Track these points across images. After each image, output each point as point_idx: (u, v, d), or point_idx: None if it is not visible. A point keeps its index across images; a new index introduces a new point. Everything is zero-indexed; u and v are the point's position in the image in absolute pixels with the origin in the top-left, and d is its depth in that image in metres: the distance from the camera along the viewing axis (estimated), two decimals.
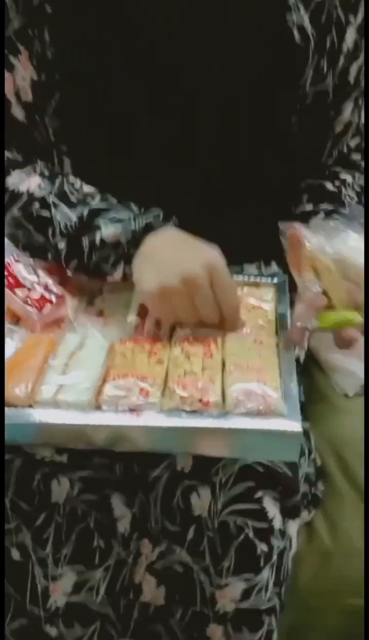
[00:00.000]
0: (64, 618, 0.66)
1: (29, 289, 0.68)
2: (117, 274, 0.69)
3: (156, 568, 0.66)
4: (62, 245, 0.70)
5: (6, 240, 0.74)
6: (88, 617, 0.66)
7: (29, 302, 0.67)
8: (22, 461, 0.66)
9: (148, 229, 0.68)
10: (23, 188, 0.72)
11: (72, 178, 0.74)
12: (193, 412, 0.60)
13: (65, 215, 0.70)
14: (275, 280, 0.75)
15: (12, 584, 0.66)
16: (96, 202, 0.71)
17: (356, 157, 0.80)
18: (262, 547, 0.64)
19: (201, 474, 0.65)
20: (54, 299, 0.68)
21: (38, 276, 0.69)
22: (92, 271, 0.70)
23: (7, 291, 0.68)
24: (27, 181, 0.73)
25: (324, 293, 0.64)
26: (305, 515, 0.72)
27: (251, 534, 0.64)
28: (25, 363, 0.63)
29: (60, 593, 0.66)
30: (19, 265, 0.69)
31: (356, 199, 0.76)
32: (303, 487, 0.71)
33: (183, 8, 0.69)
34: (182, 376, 0.62)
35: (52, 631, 0.66)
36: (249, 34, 0.71)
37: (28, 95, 0.73)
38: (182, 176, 0.74)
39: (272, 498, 0.65)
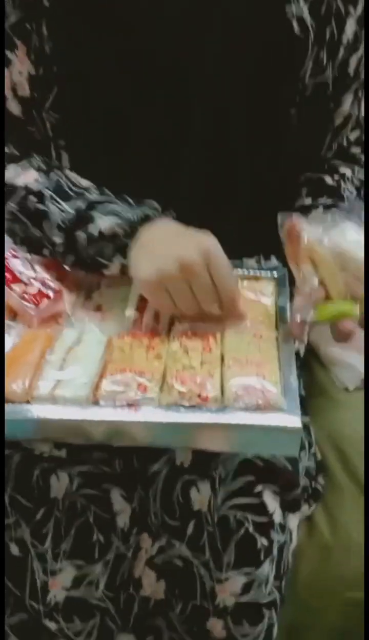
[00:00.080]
0: (64, 613, 0.66)
1: (26, 284, 0.68)
2: (114, 267, 0.68)
3: (156, 562, 0.66)
4: (58, 239, 0.69)
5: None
6: (88, 612, 0.66)
7: (26, 298, 0.67)
8: (21, 456, 0.66)
9: (144, 220, 0.67)
10: (20, 182, 0.72)
11: (69, 172, 0.73)
12: (191, 406, 0.60)
13: (61, 210, 0.69)
14: (275, 274, 0.75)
15: (12, 579, 0.66)
16: (92, 196, 0.70)
17: (356, 150, 0.79)
18: (262, 541, 0.64)
19: (200, 468, 0.65)
20: (51, 294, 0.68)
21: (35, 271, 0.69)
22: (89, 265, 0.70)
23: None
24: (23, 175, 0.72)
25: (322, 285, 0.63)
26: (305, 509, 0.72)
27: (251, 528, 0.64)
28: (22, 358, 0.63)
29: (59, 588, 0.66)
30: (16, 261, 0.69)
31: (355, 193, 0.76)
32: (303, 481, 0.71)
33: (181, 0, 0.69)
34: (180, 371, 0.62)
35: (52, 626, 0.66)
36: (248, 25, 0.70)
37: (25, 90, 0.73)
38: (180, 170, 0.74)
39: (272, 492, 0.65)
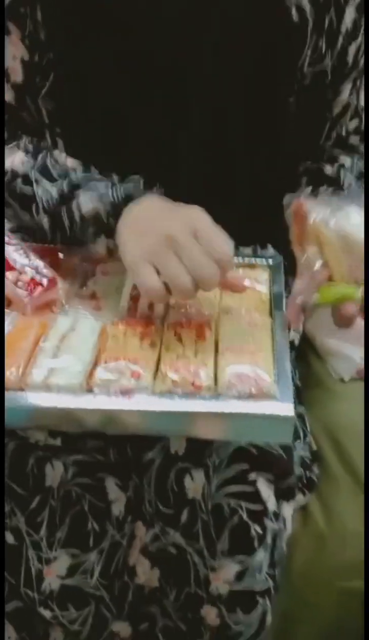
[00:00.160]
0: (58, 601, 0.66)
1: (20, 272, 0.67)
2: (100, 247, 0.67)
3: (150, 550, 0.66)
4: (45, 221, 0.69)
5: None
6: (83, 600, 0.66)
7: (20, 285, 0.67)
8: (16, 445, 0.66)
9: (127, 199, 0.66)
10: (7, 165, 0.71)
11: (56, 152, 0.73)
12: (185, 394, 0.59)
13: (46, 191, 0.69)
14: (270, 261, 0.75)
15: (7, 568, 0.66)
16: (76, 176, 0.69)
17: (355, 139, 0.79)
18: (256, 529, 0.64)
19: (194, 456, 0.65)
20: (45, 281, 0.68)
21: (29, 259, 0.69)
22: (75, 245, 0.69)
23: None
24: (10, 158, 0.72)
25: (326, 266, 0.63)
26: (300, 499, 0.72)
27: (245, 516, 0.64)
28: (16, 346, 0.63)
29: (54, 576, 0.66)
30: (10, 248, 0.69)
31: (354, 182, 0.75)
32: (298, 471, 0.71)
33: None
34: (174, 359, 0.62)
35: (47, 614, 0.66)
36: (246, 13, 0.70)
37: (19, 76, 0.72)
38: (177, 159, 0.73)
39: (266, 480, 0.65)
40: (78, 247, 0.70)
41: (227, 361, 0.62)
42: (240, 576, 0.64)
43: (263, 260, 0.75)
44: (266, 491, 0.65)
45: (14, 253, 0.68)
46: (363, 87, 0.76)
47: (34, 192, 0.69)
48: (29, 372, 0.61)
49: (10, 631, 0.67)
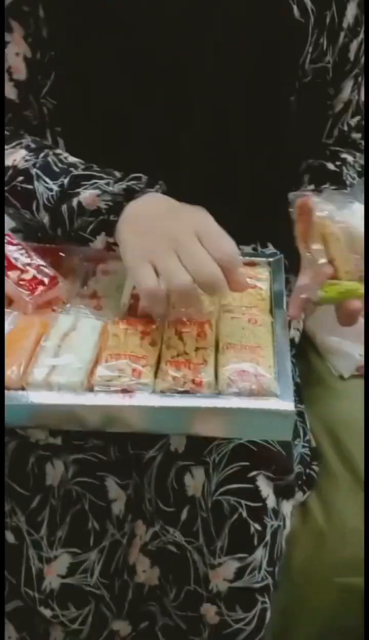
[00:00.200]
0: (59, 600, 0.66)
1: (22, 271, 0.67)
2: (99, 243, 0.66)
3: (150, 549, 0.66)
4: (45, 218, 0.68)
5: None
6: (83, 599, 0.66)
7: (21, 284, 0.67)
8: (17, 444, 0.66)
9: (128, 194, 0.65)
10: (8, 162, 0.71)
11: (59, 150, 0.72)
12: (186, 392, 0.60)
13: (46, 188, 0.68)
14: (271, 259, 0.75)
15: (7, 567, 0.66)
16: (76, 172, 0.68)
17: (356, 136, 0.79)
18: (256, 526, 0.64)
19: (195, 454, 0.65)
20: (46, 280, 0.68)
21: (31, 258, 0.69)
22: (75, 240, 0.68)
23: None
24: (12, 155, 0.71)
25: (331, 263, 0.63)
26: (300, 496, 0.72)
27: (244, 514, 0.64)
28: (17, 345, 0.63)
29: (54, 575, 0.66)
30: (11, 247, 0.69)
31: (357, 178, 0.75)
32: (298, 468, 0.71)
33: None
34: (174, 357, 0.62)
35: (47, 613, 0.66)
36: (248, 12, 0.69)
37: (21, 74, 0.72)
38: (178, 158, 0.74)
39: (266, 477, 0.65)
40: (79, 246, 0.70)
41: (228, 359, 0.62)
42: (239, 574, 0.64)
43: (263, 258, 0.75)
44: (265, 489, 0.65)
45: (16, 252, 0.68)
46: (363, 83, 0.76)
47: (34, 189, 0.68)
48: (30, 371, 0.61)
49: (10, 630, 0.67)
